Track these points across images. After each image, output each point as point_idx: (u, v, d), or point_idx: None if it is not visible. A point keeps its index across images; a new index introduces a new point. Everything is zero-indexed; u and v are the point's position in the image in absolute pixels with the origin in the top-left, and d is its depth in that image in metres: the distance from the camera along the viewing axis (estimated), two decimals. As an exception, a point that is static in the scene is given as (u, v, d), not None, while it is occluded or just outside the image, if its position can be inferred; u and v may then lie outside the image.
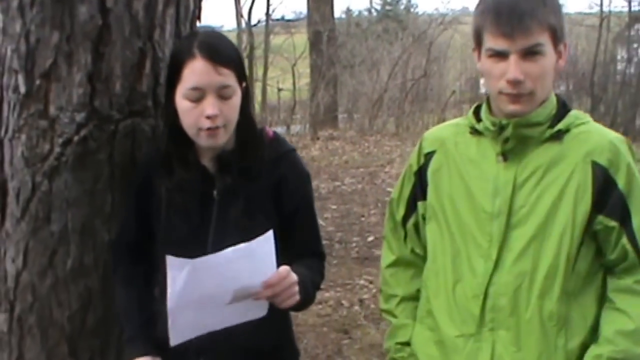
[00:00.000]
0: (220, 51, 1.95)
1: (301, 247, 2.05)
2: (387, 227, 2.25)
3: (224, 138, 1.99)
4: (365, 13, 29.03)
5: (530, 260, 1.90)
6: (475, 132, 2.01)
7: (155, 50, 2.22)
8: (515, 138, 1.90)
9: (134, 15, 2.15)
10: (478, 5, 1.95)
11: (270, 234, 1.80)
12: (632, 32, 16.88)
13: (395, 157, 12.44)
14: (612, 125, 13.97)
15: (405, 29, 19.34)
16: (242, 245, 1.77)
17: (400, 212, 2.18)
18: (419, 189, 2.12)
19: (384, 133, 15.12)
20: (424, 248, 2.15)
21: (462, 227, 1.99)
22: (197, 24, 2.44)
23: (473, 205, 1.96)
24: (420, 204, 2.12)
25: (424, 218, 2.12)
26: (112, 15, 2.12)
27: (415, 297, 2.17)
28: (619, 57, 16.41)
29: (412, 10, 30.07)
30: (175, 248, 1.96)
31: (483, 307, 1.93)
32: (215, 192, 2.04)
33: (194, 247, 1.97)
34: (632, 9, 15.89)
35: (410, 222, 2.16)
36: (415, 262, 2.18)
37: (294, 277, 1.88)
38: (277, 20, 19.57)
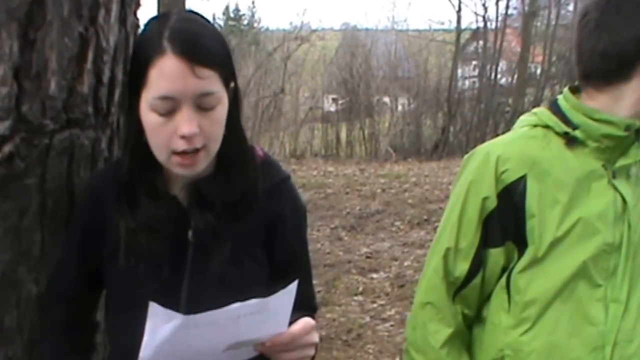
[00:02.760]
0: (200, 44, 1.43)
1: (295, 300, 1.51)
2: (438, 290, 1.70)
3: (204, 163, 1.48)
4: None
5: None
6: (572, 142, 1.61)
7: (99, 37, 1.67)
8: None
9: (74, -10, 1.60)
10: None
11: (294, 286, 1.37)
12: (472, 49, 17.44)
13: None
14: (467, 142, 14.27)
15: (253, 45, 19.05)
16: (254, 301, 1.33)
17: (462, 267, 1.67)
18: (497, 231, 1.64)
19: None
20: (477, 308, 1.72)
21: (576, 269, 1.59)
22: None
23: (592, 237, 1.58)
24: (496, 251, 1.65)
25: (504, 269, 1.66)
26: (47, -12, 1.55)
27: None
28: (465, 73, 16.86)
29: (256, 25, 29.92)
30: (136, 307, 1.47)
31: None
32: (190, 233, 1.53)
33: (162, 306, 1.47)
34: (476, 25, 16.36)
35: (478, 278, 1.67)
36: (464, 329, 1.73)
37: (316, 337, 1.44)
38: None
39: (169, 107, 1.41)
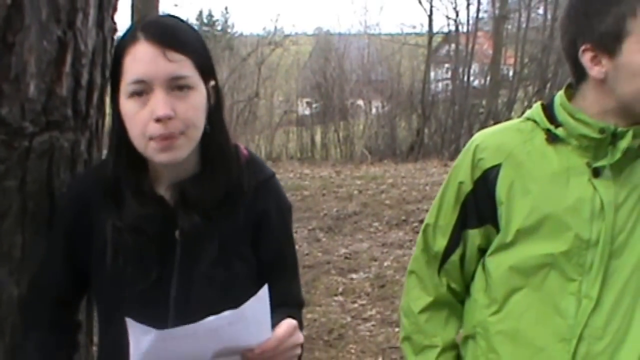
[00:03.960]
0: (172, 32, 1.48)
1: (281, 296, 1.53)
2: (419, 261, 1.82)
3: (186, 150, 1.49)
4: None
5: (630, 295, 1.62)
6: (553, 138, 1.65)
7: (77, 41, 1.69)
8: (627, 150, 1.60)
9: (52, -7, 1.61)
10: None
11: (264, 292, 1.39)
12: (444, 52, 17.53)
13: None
14: (442, 143, 14.33)
15: (227, 50, 19.03)
16: (227, 313, 1.36)
17: (441, 243, 1.76)
18: (473, 214, 1.71)
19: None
20: (464, 283, 1.79)
21: (543, 259, 1.63)
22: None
23: (563, 232, 1.61)
24: (474, 232, 1.72)
25: (480, 250, 1.73)
26: (25, -9, 1.56)
27: (455, 346, 1.81)
28: (438, 76, 16.93)
29: (229, 30, 29.86)
30: (125, 308, 1.49)
31: (574, 353, 1.62)
32: (177, 233, 1.54)
33: (151, 307, 1.52)
34: (448, 29, 16.43)
35: (456, 255, 1.75)
36: (450, 300, 1.81)
37: (300, 337, 1.47)
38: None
39: (143, 92, 1.44)
